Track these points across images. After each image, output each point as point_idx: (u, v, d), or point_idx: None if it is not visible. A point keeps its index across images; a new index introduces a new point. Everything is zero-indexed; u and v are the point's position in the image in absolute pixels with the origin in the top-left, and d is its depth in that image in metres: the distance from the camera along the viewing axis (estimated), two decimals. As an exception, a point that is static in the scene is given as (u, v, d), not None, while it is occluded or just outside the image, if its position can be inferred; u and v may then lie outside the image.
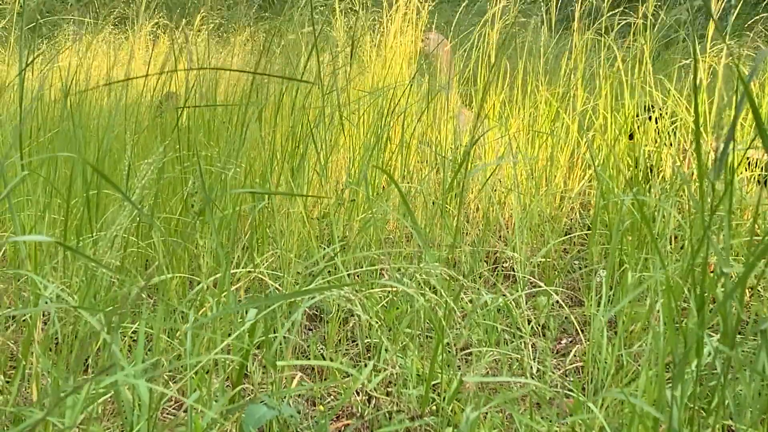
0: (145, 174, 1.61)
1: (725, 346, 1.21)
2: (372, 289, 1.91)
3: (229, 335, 1.72)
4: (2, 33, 5.04)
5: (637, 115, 3.39)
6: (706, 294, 1.24)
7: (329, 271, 2.25)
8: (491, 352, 1.95)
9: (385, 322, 1.85)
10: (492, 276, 2.75)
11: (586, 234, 3.11)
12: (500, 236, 3.20)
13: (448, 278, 1.83)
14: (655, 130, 3.29)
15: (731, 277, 1.50)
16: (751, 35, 3.77)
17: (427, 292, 1.78)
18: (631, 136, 3.41)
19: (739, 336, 1.54)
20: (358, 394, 1.78)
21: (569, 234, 3.20)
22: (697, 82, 3.21)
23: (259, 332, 1.63)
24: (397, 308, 1.90)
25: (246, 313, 1.52)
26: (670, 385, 1.28)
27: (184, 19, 4.80)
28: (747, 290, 1.84)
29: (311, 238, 2.53)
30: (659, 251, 1.75)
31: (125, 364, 1.40)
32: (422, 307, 1.70)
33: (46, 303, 1.65)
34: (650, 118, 3.46)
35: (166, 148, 1.82)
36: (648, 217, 2.15)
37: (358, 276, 2.35)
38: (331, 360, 2.13)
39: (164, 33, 4.77)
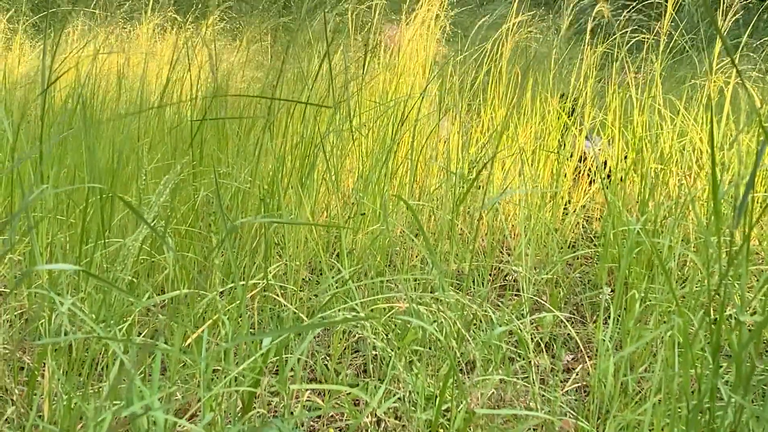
0: (162, 194, 1.62)
1: (738, 396, 1.23)
2: (387, 318, 1.92)
3: (238, 347, 1.73)
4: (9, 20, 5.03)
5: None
6: (721, 343, 1.25)
7: (337, 286, 2.26)
8: (497, 372, 1.97)
9: (400, 349, 1.86)
10: (497, 290, 2.76)
11: (591, 250, 3.13)
12: (504, 246, 3.21)
13: (461, 305, 1.84)
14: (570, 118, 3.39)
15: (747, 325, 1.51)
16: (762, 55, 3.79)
17: (438, 314, 1.79)
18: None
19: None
20: (367, 416, 1.80)
21: (573, 247, 3.22)
22: (707, 101, 3.24)
23: (271, 354, 1.65)
24: (414, 332, 1.92)
25: (261, 342, 1.54)
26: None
27: (192, 15, 4.79)
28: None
29: (319, 248, 2.55)
30: (669, 280, 1.76)
31: (142, 386, 1.41)
32: (435, 337, 1.72)
33: (61, 316, 1.66)
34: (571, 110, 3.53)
35: (182, 166, 1.83)
36: (658, 250, 2.16)
37: (366, 290, 2.37)
38: (336, 372, 2.14)
39: (172, 28, 4.76)
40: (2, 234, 1.78)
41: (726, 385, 1.70)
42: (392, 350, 1.75)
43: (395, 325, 1.99)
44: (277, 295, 2.20)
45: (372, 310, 2.05)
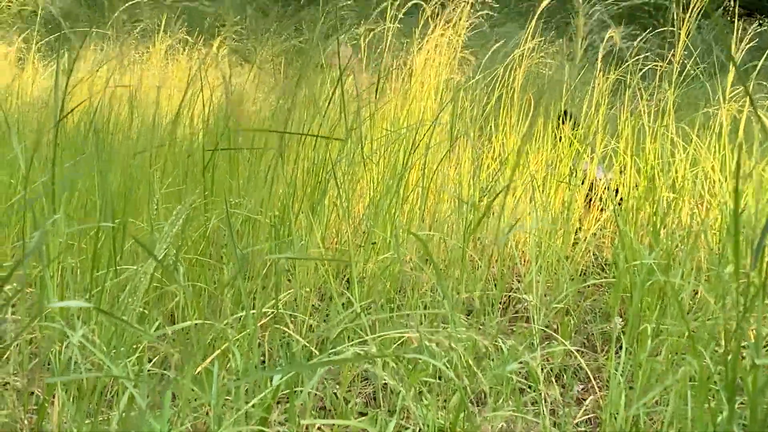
0: (175, 224, 1.62)
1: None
2: (396, 350, 1.91)
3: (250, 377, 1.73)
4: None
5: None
6: (737, 383, 1.24)
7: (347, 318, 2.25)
8: (508, 404, 1.96)
9: (409, 378, 1.85)
10: (507, 320, 2.75)
11: (602, 279, 3.11)
12: (514, 272, 3.20)
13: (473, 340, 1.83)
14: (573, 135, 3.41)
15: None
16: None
17: (449, 350, 1.79)
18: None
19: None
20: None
21: (584, 274, 3.20)
22: (720, 129, 3.24)
23: (281, 387, 1.64)
24: (423, 369, 1.91)
25: (271, 380, 1.53)
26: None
27: (203, 36, 4.82)
28: None
29: (329, 275, 2.54)
30: (682, 312, 1.75)
31: (153, 421, 1.41)
32: (446, 374, 1.71)
33: (72, 346, 1.66)
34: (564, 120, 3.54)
35: (194, 195, 1.83)
36: (671, 284, 2.15)
37: (376, 323, 2.36)
38: (345, 400, 2.13)
39: (184, 49, 4.78)
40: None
41: (740, 419, 1.69)
42: (402, 383, 1.74)
43: (405, 358, 1.98)
44: (287, 326, 2.19)
45: (382, 342, 2.04)
